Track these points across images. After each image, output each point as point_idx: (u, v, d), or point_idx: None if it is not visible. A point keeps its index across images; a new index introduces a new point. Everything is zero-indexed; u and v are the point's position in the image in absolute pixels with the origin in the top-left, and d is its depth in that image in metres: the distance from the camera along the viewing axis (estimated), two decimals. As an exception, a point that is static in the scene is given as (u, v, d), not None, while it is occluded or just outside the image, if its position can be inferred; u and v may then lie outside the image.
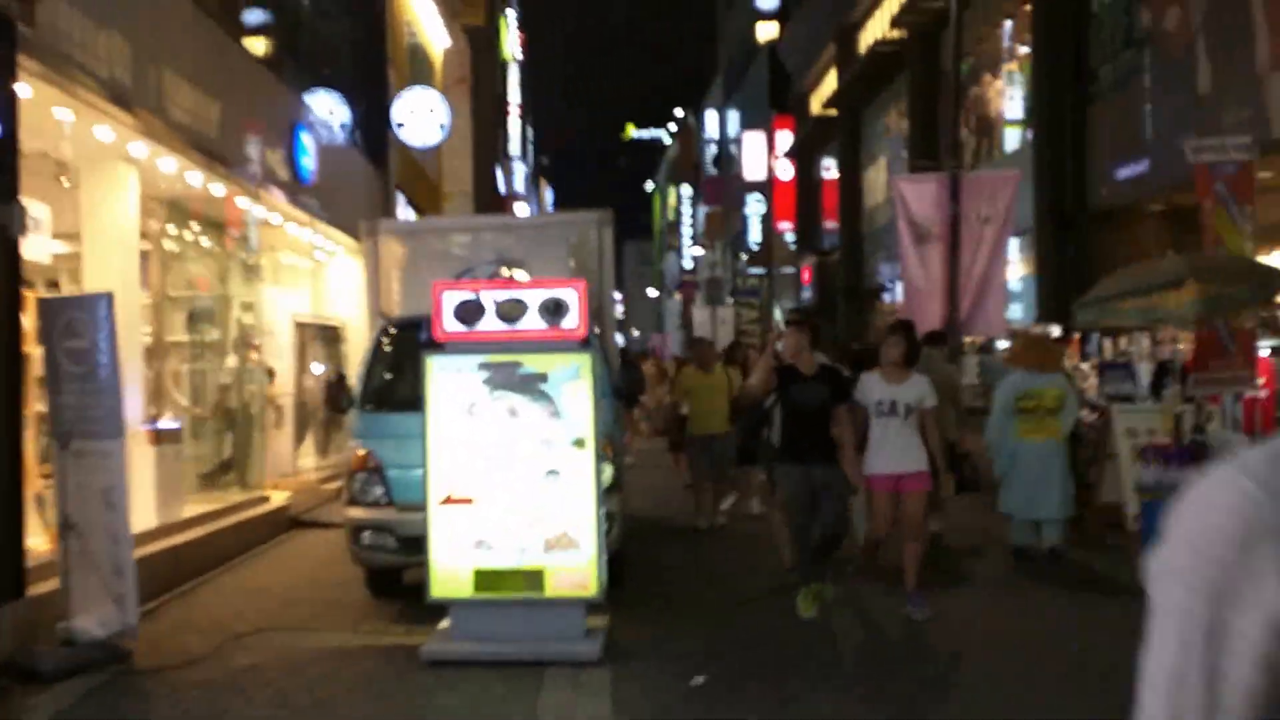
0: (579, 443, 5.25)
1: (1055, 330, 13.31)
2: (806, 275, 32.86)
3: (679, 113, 58.44)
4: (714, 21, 54.48)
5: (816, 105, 32.15)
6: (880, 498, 6.97)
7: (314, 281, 14.54)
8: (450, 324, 5.35)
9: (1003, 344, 13.30)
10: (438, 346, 5.38)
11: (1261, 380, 10.59)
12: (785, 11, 37.01)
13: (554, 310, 5.27)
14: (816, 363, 6.92)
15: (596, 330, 5.75)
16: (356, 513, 6.88)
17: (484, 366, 5.29)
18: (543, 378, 5.28)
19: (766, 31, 38.64)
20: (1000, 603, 7.47)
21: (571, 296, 5.32)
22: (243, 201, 10.64)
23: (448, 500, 5.27)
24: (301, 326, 13.27)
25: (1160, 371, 10.72)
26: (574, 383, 5.27)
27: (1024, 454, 8.84)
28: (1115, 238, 16.96)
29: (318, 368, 13.57)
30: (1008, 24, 20.58)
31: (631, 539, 7.50)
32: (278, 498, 11.06)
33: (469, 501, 5.29)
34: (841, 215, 29.61)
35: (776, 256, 36.82)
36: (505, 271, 6.29)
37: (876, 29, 26.00)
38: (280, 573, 8.84)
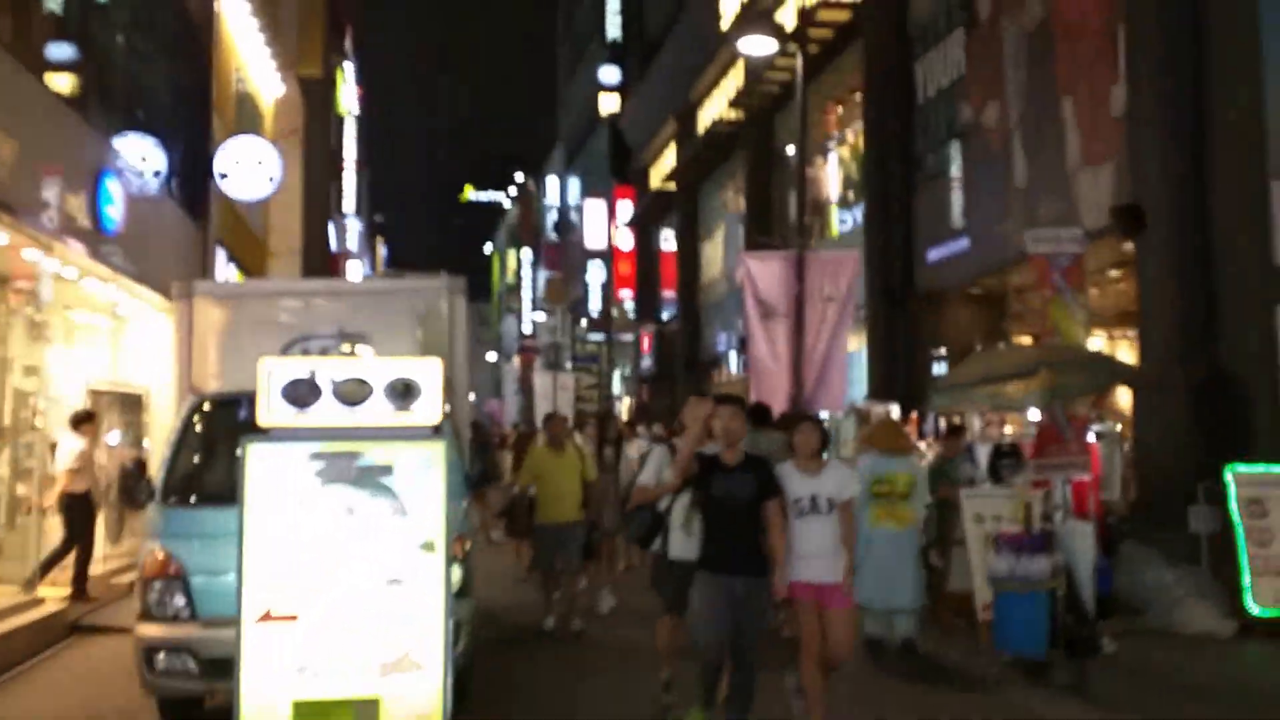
0: (428, 546, 4.60)
1: (894, 409, 13.44)
2: (646, 343, 32.85)
3: (520, 177, 58.30)
4: (555, 89, 54.74)
5: (656, 178, 32.43)
6: (805, 610, 6.07)
7: (114, 342, 12.92)
8: (277, 405, 4.74)
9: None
10: (260, 431, 4.75)
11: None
12: (627, 86, 37.39)
13: (403, 392, 4.71)
14: (741, 450, 6.01)
15: (447, 409, 5.17)
16: (150, 630, 5.84)
17: (317, 456, 4.67)
18: (386, 470, 4.65)
19: (608, 104, 38.93)
20: (857, 698, 7.18)
21: (424, 376, 4.78)
22: (32, 253, 9.45)
23: (266, 617, 4.50)
24: (97, 394, 11.71)
25: (996, 454, 10.80)
26: (423, 475, 4.66)
27: (878, 541, 8.61)
28: (938, 318, 17.41)
29: (114, 438, 12.11)
30: (839, 110, 21.09)
31: (477, 645, 6.72)
32: (53, 598, 9.38)
33: (292, 618, 4.52)
34: (679, 286, 29.74)
35: (616, 324, 36.75)
36: (346, 347, 5.67)
37: (715, 109, 26.38)
38: (50, 697, 7.55)
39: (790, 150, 22.72)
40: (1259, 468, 9.97)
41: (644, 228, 34.39)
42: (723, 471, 5.92)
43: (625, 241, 36.14)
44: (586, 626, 9.33)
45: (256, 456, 4.63)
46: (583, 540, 9.10)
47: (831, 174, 20.65)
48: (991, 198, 15.20)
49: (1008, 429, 11.17)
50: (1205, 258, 10.80)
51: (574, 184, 47.00)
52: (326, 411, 4.72)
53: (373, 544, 4.62)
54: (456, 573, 5.52)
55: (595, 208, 40.53)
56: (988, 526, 8.65)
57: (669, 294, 32.20)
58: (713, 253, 28.34)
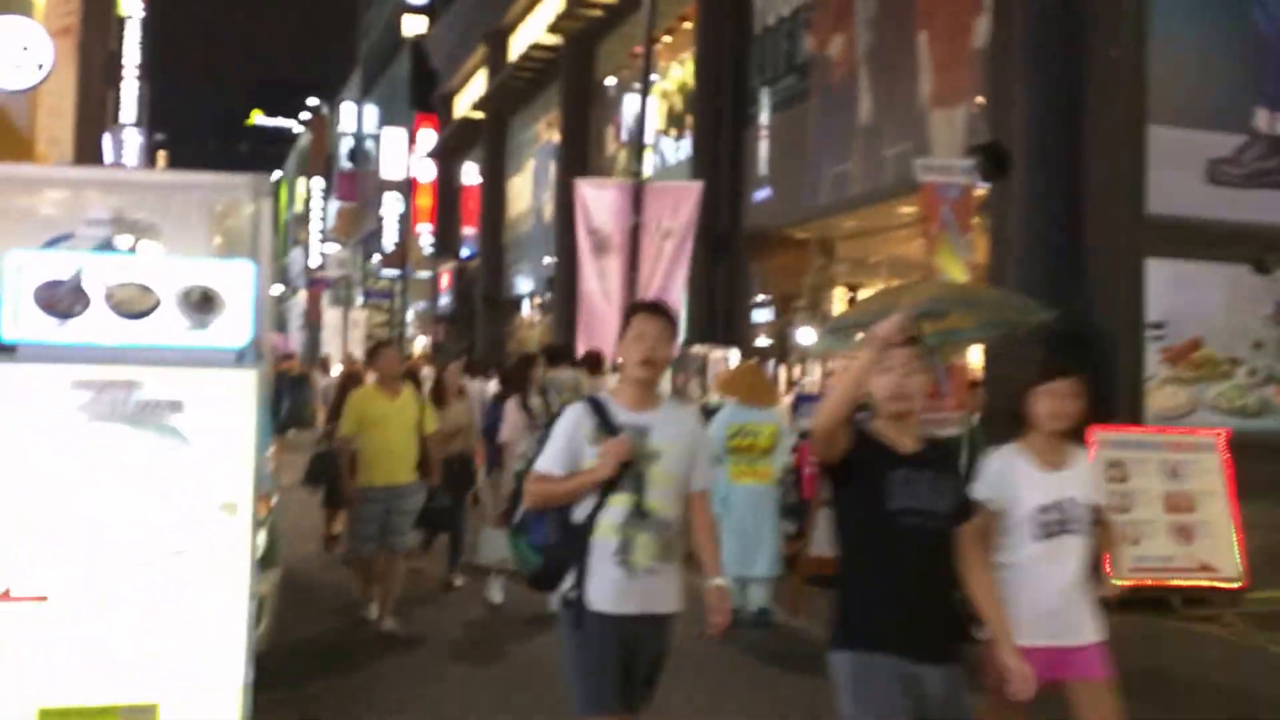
0: (228, 508, 3.45)
1: (734, 355, 12.73)
2: (445, 281, 31.35)
3: (313, 102, 55.13)
4: (354, 8, 51.80)
5: (463, 107, 30.79)
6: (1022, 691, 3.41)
7: None
8: (29, 314, 3.48)
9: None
10: (5, 349, 3.48)
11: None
12: (433, 7, 35.39)
13: (202, 304, 3.50)
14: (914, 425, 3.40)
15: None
16: None
17: (81, 385, 3.44)
18: (175, 406, 3.49)
19: (413, 26, 36.82)
20: (705, 684, 6.26)
21: (231, 284, 3.57)
22: None
23: (4, 597, 3.35)
24: None
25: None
26: (226, 415, 3.50)
27: (736, 501, 7.82)
28: (763, 262, 16.83)
29: None
30: (666, 39, 20.15)
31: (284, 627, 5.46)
32: None
33: (40, 599, 3.38)
34: (483, 222, 28.37)
35: (412, 260, 35.01)
36: (126, 241, 4.33)
37: (530, 34, 25.00)
38: None
39: (611, 82, 21.73)
40: (1121, 429, 9.66)
41: (446, 160, 32.72)
42: (898, 462, 3.29)
43: (426, 173, 34.37)
44: (412, 627, 7.14)
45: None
46: (416, 511, 7.27)
47: (654, 107, 19.71)
48: (831, 136, 14.62)
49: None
50: (1073, 205, 10.39)
51: (371, 111, 44.60)
52: (96, 325, 3.48)
53: (154, 504, 3.45)
54: (261, 537, 4.34)
55: (394, 136, 38.45)
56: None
57: (470, 230, 30.78)
58: (521, 188, 27.09)
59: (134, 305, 3.52)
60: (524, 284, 26.18)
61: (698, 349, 12.86)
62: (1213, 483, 9.91)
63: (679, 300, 11.55)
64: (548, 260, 23.45)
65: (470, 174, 31.55)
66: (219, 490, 3.54)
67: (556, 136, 23.47)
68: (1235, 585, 9.23)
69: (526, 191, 26.46)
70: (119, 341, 3.51)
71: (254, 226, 5.17)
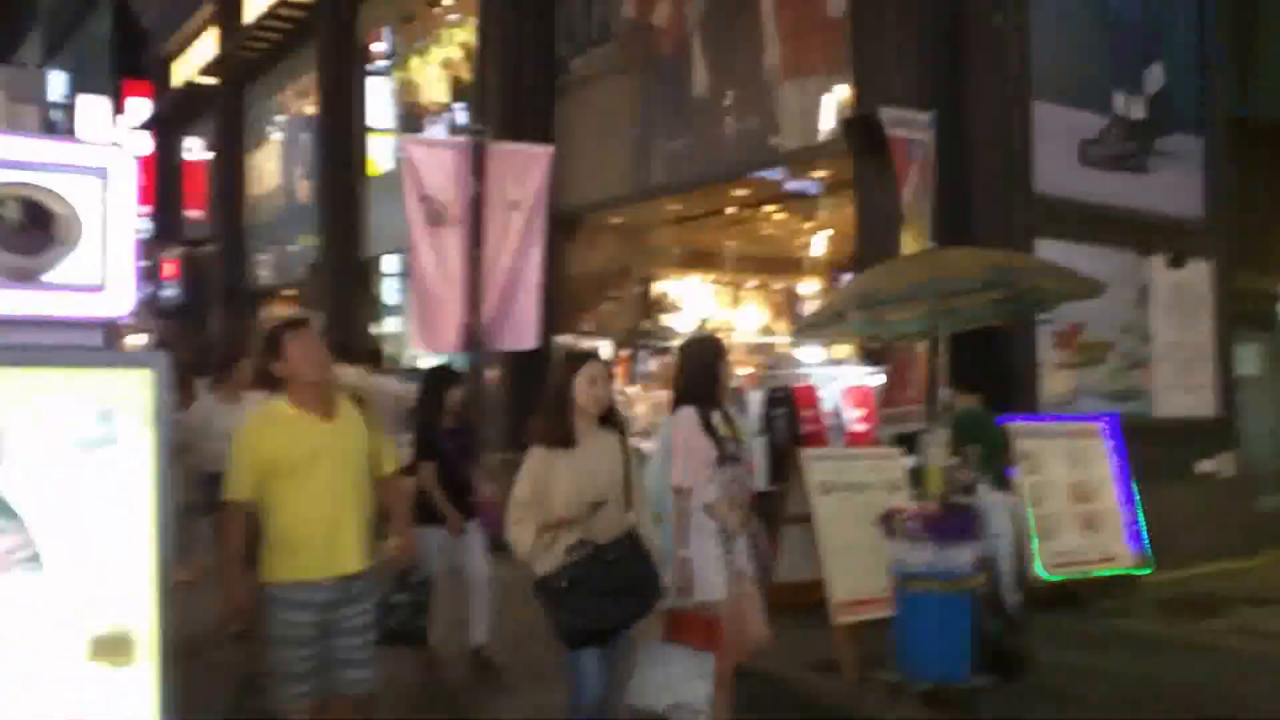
0: (108, 644, 1.82)
1: (604, 347, 11.35)
2: (170, 269, 28.03)
3: (-19, 66, 48.66)
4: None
5: (187, 72, 27.54)
6: None
7: None
8: None
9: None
10: None
11: (862, 412, 9.36)
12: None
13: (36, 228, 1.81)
14: None
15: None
16: None
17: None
18: None
19: (114, -21, 32.88)
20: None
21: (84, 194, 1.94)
22: None
23: None
24: None
25: (772, 403, 9.06)
26: (106, 469, 1.91)
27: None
28: (571, 248, 15.51)
29: None
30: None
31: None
32: None
33: None
34: (220, 205, 25.44)
35: (122, 245, 31.17)
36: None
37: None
38: None
39: (380, 47, 19.72)
40: (1031, 419, 9.06)
41: (165, 133, 29.30)
42: None
43: (137, 148, 30.60)
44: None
45: None
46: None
47: (440, 75, 17.91)
48: (659, 113, 13.44)
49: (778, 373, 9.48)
50: (957, 183, 9.64)
51: (58, 77, 39.68)
52: None
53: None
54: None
55: (93, 106, 34.16)
56: (849, 500, 6.80)
57: (196, 213, 27.68)
58: (264, 165, 24.40)
59: None
60: (273, 272, 23.60)
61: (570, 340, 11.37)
62: (1107, 469, 9.60)
63: (536, 284, 10.00)
64: (302, 247, 21.15)
65: (193, 150, 28.38)
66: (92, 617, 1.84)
67: (311, 107, 21.14)
68: (1140, 572, 8.96)
69: (272, 169, 23.84)
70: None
71: None
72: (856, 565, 6.92)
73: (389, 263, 19.05)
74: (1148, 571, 9.16)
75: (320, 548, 4.32)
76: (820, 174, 12.12)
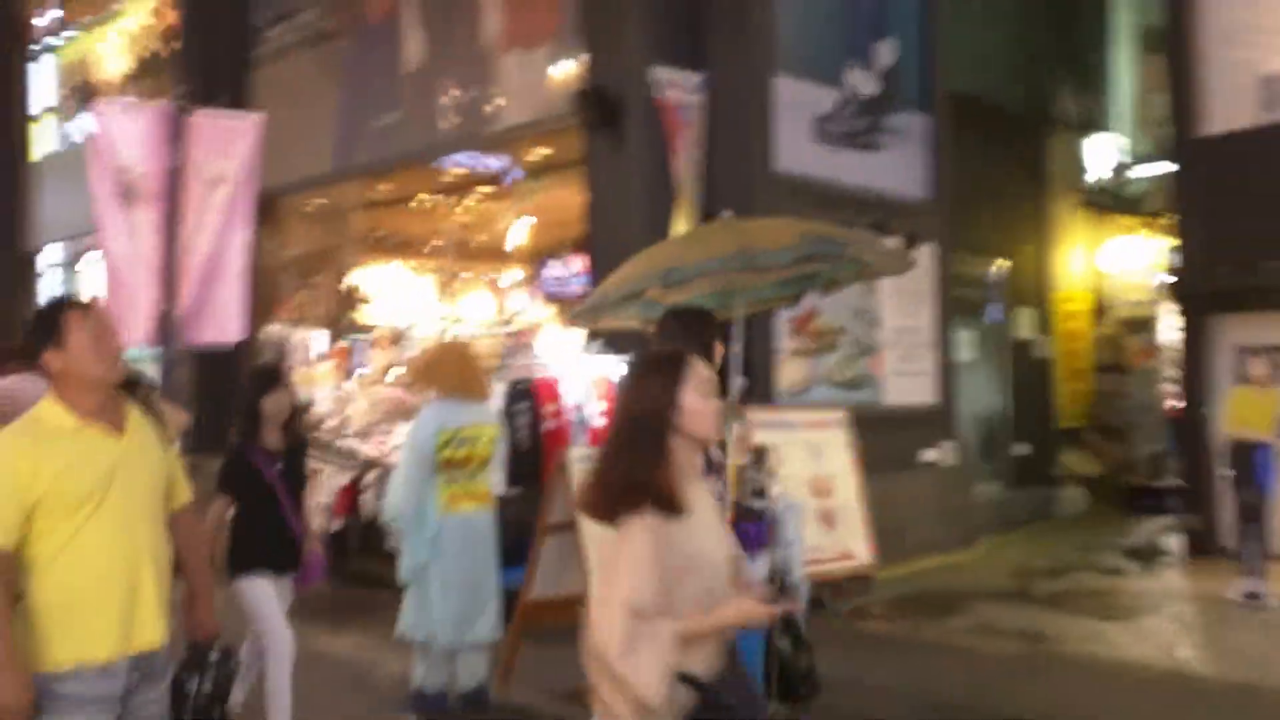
0: None
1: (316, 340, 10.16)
2: None
3: None
4: None
5: None
6: None
7: None
8: None
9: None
10: None
11: (552, 407, 8.81)
12: None
13: None
14: None
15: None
16: None
17: None
18: None
19: None
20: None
21: None
22: None
23: None
24: None
25: (513, 397, 8.38)
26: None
27: (451, 535, 5.87)
28: (276, 233, 14.21)
29: None
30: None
31: None
32: None
33: None
34: None
35: None
36: None
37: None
38: None
39: (44, 22, 17.43)
40: (769, 411, 8.85)
41: None
42: None
43: None
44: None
45: None
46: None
47: (111, 48, 15.92)
48: (364, 84, 12.41)
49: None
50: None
51: None
52: None
53: None
54: None
55: None
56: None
57: None
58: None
59: None
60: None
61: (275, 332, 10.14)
62: (844, 462, 9.50)
63: (241, 270, 8.84)
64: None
65: None
66: None
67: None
68: (869, 571, 8.79)
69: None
70: None
71: None
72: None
73: (56, 253, 16.93)
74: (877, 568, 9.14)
75: (114, 615, 3.22)
76: (543, 151, 11.54)
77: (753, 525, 5.57)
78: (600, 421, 8.72)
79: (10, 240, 16.94)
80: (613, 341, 8.08)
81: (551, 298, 12.74)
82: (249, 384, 5.64)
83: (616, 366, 8.19)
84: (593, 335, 8.47)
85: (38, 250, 17.15)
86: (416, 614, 5.81)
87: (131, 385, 4.73)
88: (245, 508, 5.44)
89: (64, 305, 3.42)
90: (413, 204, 13.35)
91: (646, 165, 9.29)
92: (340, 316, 13.83)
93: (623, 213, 9.39)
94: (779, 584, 5.81)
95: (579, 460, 6.36)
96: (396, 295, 13.98)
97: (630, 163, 9.40)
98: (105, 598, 3.22)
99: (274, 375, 5.70)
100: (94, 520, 3.22)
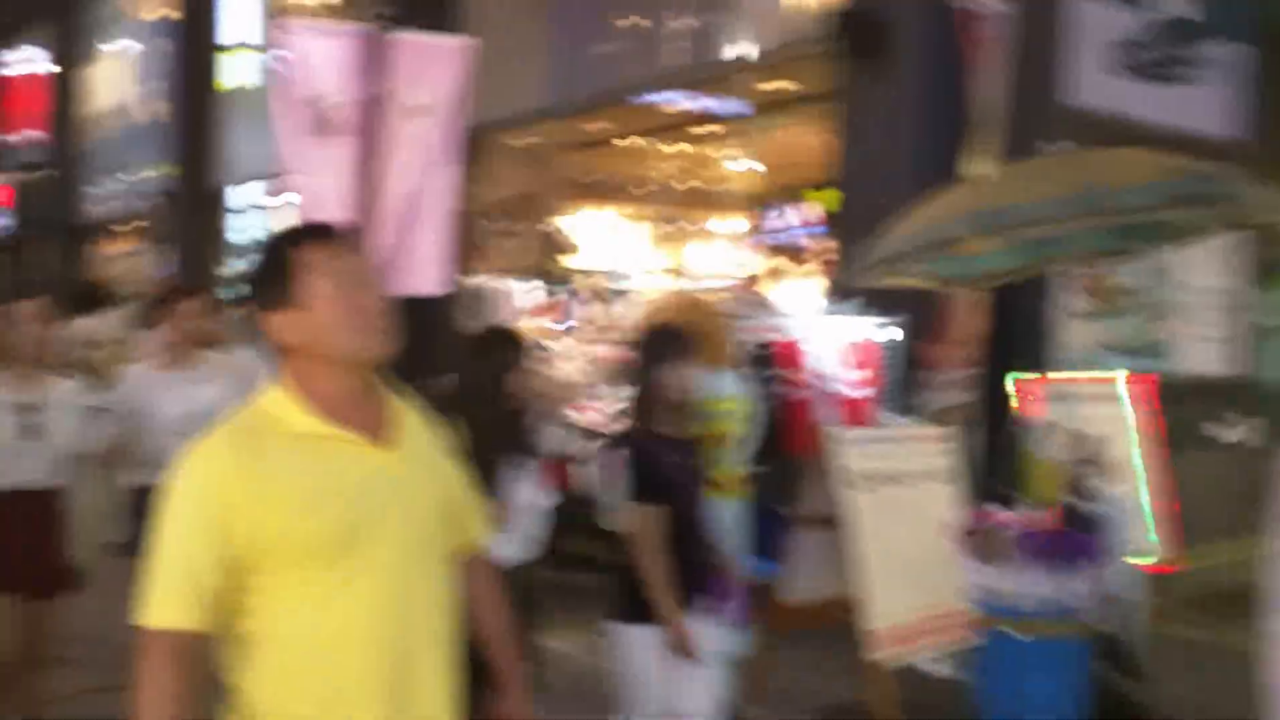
0: None
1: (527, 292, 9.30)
2: (4, 197, 24.76)
3: None
4: None
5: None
6: None
7: None
8: None
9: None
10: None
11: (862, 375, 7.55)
12: None
13: None
14: None
15: None
16: None
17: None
18: None
19: None
20: None
21: None
22: None
23: None
24: None
25: (753, 361, 7.18)
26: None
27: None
28: (480, 174, 13.45)
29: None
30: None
31: None
32: None
33: None
34: (54, 124, 22.38)
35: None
36: None
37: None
38: None
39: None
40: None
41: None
42: None
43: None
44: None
45: None
46: None
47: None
48: (583, 6, 11.40)
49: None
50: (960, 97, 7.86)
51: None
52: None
53: None
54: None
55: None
56: (893, 496, 5.01)
57: (30, 134, 24.43)
58: (105, 78, 21.38)
59: None
60: (109, 203, 20.75)
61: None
62: (1131, 438, 7.99)
63: (445, 214, 7.90)
64: (146, 174, 18.46)
65: (21, 63, 25.04)
66: None
67: (157, 10, 18.37)
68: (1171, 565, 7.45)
69: (110, 82, 20.88)
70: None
71: None
72: (901, 584, 5.21)
73: (247, 193, 16.64)
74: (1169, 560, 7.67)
75: None
76: (781, 85, 10.29)
77: (1080, 536, 4.30)
78: (851, 392, 7.48)
79: (202, 177, 16.71)
80: (874, 300, 6.79)
81: (780, 249, 11.51)
82: (643, 350, 4.29)
83: (875, 329, 6.90)
84: (847, 293, 7.20)
85: (227, 188, 16.87)
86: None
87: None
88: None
89: (301, 238, 2.27)
90: (628, 144, 12.31)
91: (916, 98, 8.00)
92: (548, 267, 12.96)
93: (885, 153, 8.14)
94: (1110, 603, 4.54)
95: (850, 442, 5.15)
96: (610, 244, 13.02)
97: (897, 95, 8.12)
98: (361, 697, 2.09)
99: (676, 338, 4.32)
100: (344, 578, 2.10)
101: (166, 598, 2.06)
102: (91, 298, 12.04)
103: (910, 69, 8.01)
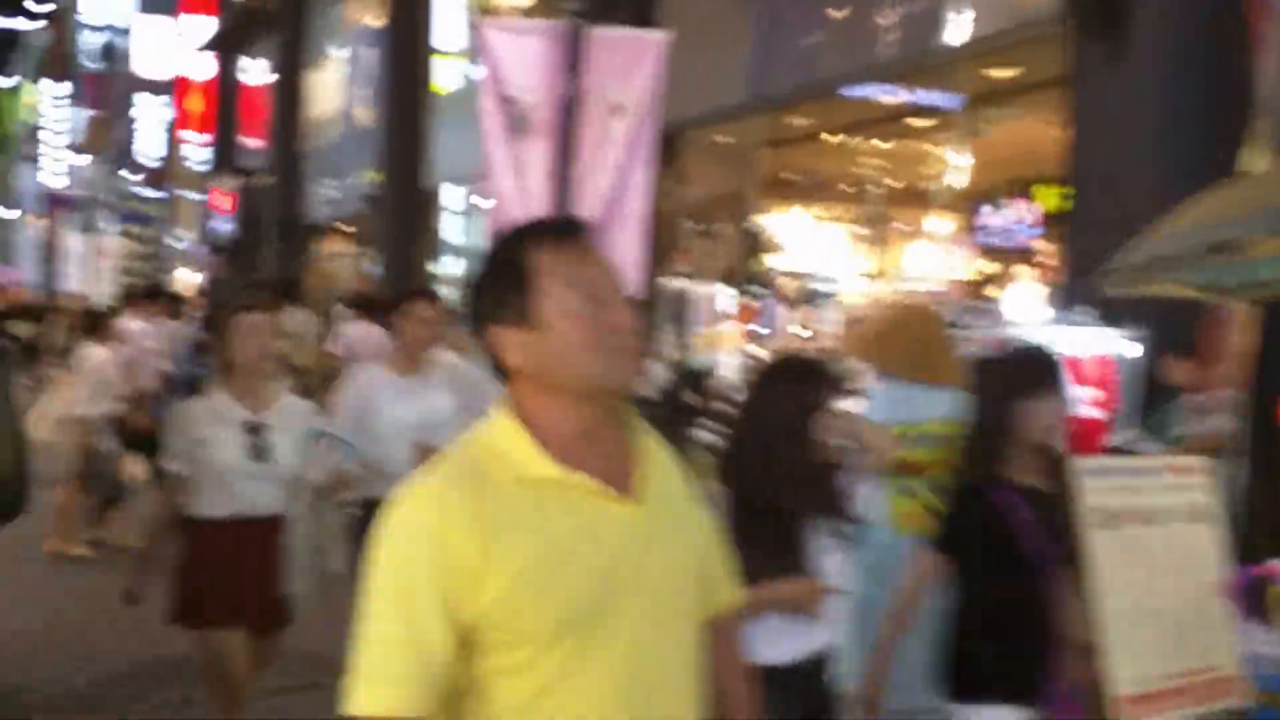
0: None
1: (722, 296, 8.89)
2: (228, 203, 26.04)
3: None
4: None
5: (245, -15, 25.31)
6: None
7: None
8: None
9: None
10: None
11: (1096, 394, 6.83)
12: None
13: None
14: None
15: None
16: None
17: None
18: None
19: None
20: None
21: None
22: None
23: None
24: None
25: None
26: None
27: (894, 562, 4.22)
28: (675, 172, 13.14)
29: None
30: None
31: None
32: None
33: None
34: (277, 130, 23.30)
35: (179, 176, 29.32)
36: None
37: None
38: None
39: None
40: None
41: (226, 54, 27.18)
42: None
43: (200, 70, 28.44)
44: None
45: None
46: None
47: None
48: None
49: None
50: (1225, 77, 6.95)
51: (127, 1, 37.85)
52: None
53: None
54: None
55: (152, 26, 32.09)
56: (1139, 537, 4.34)
57: (256, 141, 25.58)
58: (324, 86, 22.13)
59: None
60: (328, 205, 21.43)
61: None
62: None
63: (641, 215, 7.53)
64: (359, 177, 18.93)
65: (250, 71, 26.25)
66: None
67: (373, 17, 18.82)
68: None
69: (332, 90, 21.59)
70: None
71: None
72: (1150, 639, 4.48)
73: (453, 195, 16.81)
74: None
75: None
76: (1001, 74, 9.52)
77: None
78: (1088, 411, 6.74)
79: (412, 178, 16.93)
80: (1111, 310, 6.04)
81: (998, 251, 10.73)
82: (995, 381, 3.57)
83: (1118, 342, 6.15)
84: (1078, 301, 6.47)
85: (441, 189, 17.07)
86: (853, 660, 4.20)
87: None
88: (980, 584, 3.50)
89: (541, 237, 1.86)
90: (832, 140, 11.72)
91: (1158, 82, 7.13)
92: (744, 269, 12.49)
93: (1122, 145, 7.30)
94: None
95: (1089, 473, 4.48)
96: (811, 246, 12.44)
97: (1136, 80, 7.25)
98: None
99: (1042, 367, 3.54)
100: (582, 656, 1.75)
101: (386, 679, 1.69)
102: (285, 293, 12.37)
103: (1150, 49, 7.15)
